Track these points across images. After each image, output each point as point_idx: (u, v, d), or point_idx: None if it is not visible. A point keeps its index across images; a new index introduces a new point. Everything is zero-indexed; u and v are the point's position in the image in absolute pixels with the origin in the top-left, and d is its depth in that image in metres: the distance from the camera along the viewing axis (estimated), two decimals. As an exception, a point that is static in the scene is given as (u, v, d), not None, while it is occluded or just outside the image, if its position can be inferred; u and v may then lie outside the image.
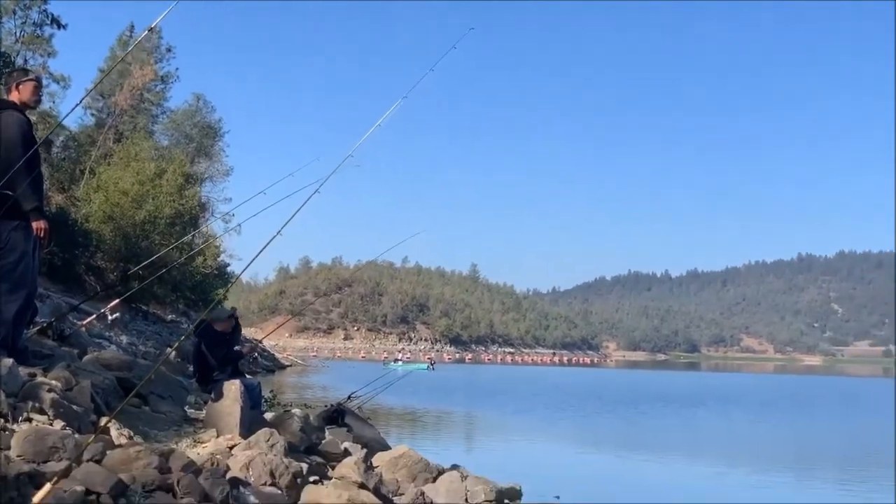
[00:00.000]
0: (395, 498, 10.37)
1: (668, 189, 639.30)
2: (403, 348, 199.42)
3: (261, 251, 9.38)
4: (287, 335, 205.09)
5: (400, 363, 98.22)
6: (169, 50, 65.88)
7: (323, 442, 12.17)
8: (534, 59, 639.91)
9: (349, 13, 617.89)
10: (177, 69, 67.50)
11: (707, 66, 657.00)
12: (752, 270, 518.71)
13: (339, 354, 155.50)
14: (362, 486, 9.47)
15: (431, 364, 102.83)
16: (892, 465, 27.45)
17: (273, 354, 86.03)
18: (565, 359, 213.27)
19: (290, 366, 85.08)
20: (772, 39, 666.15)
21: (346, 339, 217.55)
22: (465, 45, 13.66)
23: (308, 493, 8.73)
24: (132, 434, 8.88)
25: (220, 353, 13.11)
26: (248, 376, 14.87)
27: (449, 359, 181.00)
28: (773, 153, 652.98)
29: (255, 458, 8.50)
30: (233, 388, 10.99)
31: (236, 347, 13.94)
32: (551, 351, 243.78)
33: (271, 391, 24.89)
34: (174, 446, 8.70)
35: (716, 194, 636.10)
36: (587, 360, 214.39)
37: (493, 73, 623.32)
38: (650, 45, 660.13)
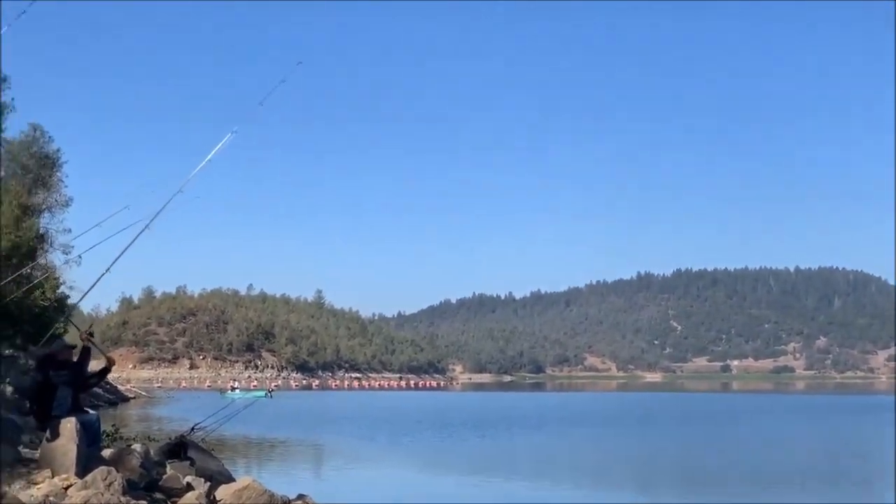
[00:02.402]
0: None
1: (509, 210, 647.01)
2: (250, 376, 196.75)
3: (91, 288, 9.36)
4: (131, 366, 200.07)
5: (238, 392, 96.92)
6: (4, 80, 63.82)
7: (164, 477, 12.00)
8: (370, 70, 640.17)
9: (189, 42, 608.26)
10: (12, 99, 65.37)
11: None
12: (593, 290, 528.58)
13: (184, 384, 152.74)
14: (204, 520, 9.42)
15: (269, 392, 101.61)
16: (733, 477, 28.49)
17: (116, 387, 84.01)
18: (412, 383, 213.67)
19: (135, 398, 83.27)
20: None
21: (191, 368, 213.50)
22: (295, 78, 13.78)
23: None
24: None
25: (67, 378, 12.79)
26: (88, 411, 14.52)
27: (296, 386, 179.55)
28: (609, 173, 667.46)
29: (90, 498, 8.38)
30: (68, 426, 10.75)
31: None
32: (398, 375, 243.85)
33: (113, 425, 24.36)
34: (6, 488, 8.50)
35: (555, 215, 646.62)
36: (434, 384, 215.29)
37: (334, 95, 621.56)
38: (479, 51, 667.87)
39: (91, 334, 13.48)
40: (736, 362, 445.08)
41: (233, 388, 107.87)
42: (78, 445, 10.49)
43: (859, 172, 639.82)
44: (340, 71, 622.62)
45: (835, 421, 64.11)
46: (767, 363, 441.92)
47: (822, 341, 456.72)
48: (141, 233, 10.09)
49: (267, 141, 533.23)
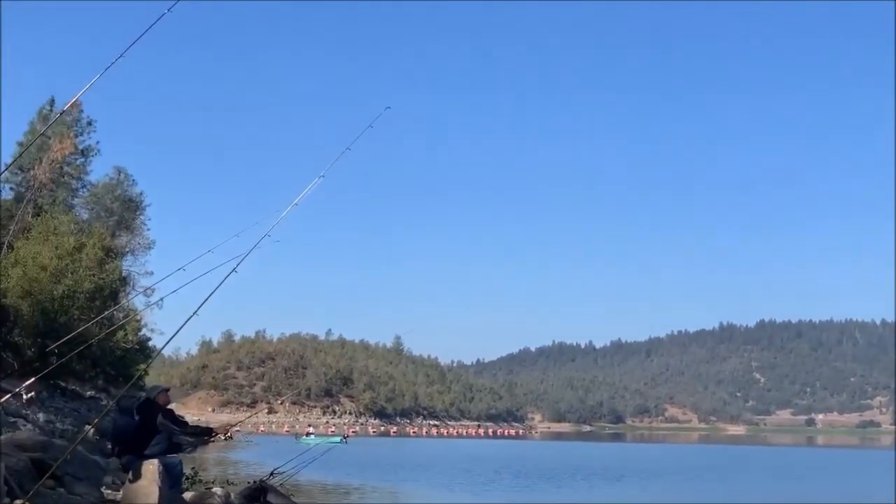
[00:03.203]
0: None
1: (590, 261, 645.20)
2: (328, 421, 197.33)
3: (177, 331, 9.33)
4: (210, 409, 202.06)
5: (313, 437, 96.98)
6: (90, 123, 65.40)
7: (244, 521, 11.99)
8: (444, 134, 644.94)
9: (271, 90, 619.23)
10: (97, 142, 66.90)
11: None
12: (674, 340, 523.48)
13: (262, 429, 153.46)
14: (283, 566, 9.34)
15: (345, 437, 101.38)
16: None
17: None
18: (491, 431, 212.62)
19: (213, 441, 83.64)
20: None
21: (269, 412, 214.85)
22: (382, 122, 13.83)
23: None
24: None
25: (179, 423, 12.93)
26: (170, 455, 14.59)
27: (374, 432, 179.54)
28: (691, 225, 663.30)
29: (173, 540, 8.36)
30: (151, 468, 10.79)
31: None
32: (476, 423, 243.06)
33: (193, 468, 24.47)
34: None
35: (638, 264, 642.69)
36: (512, 432, 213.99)
37: (414, 147, 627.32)
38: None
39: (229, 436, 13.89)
40: (821, 416, 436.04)
41: (308, 434, 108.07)
42: (160, 487, 10.52)
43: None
44: (423, 117, 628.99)
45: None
46: (853, 417, 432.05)
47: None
48: (228, 275, 10.13)
49: (350, 184, 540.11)
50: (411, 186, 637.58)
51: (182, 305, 10.69)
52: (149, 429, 12.41)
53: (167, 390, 13.43)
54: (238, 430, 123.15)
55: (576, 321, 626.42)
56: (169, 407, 13.31)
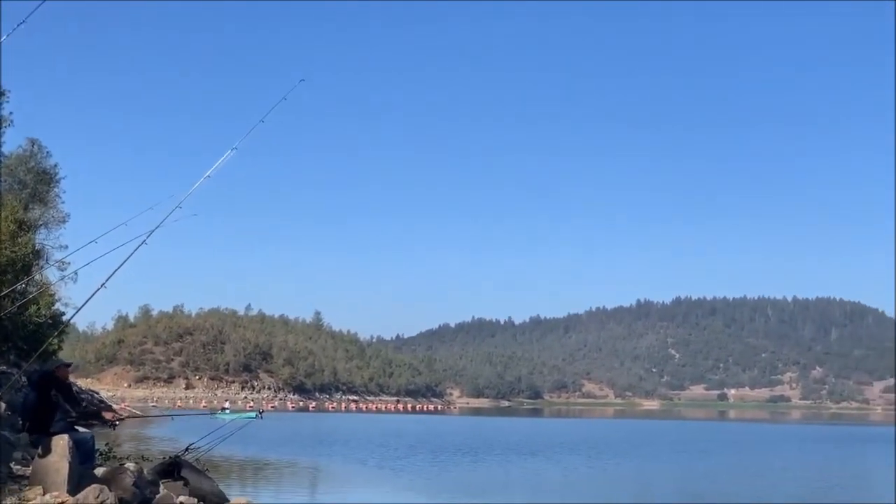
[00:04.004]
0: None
1: (509, 236, 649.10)
2: (246, 397, 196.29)
3: (86, 302, 9.26)
4: (126, 385, 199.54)
5: (227, 412, 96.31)
6: (2, 94, 63.91)
7: (157, 497, 11.92)
8: (372, 102, 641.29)
9: (188, 63, 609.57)
10: (10, 113, 65.38)
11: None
12: (592, 317, 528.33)
13: (179, 404, 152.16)
14: (196, 541, 9.33)
15: (260, 413, 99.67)
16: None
17: (110, 406, 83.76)
18: (410, 406, 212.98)
19: (129, 417, 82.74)
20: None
21: (187, 388, 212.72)
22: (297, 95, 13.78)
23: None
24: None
25: (74, 401, 12.75)
26: (81, 430, 14.43)
27: (293, 407, 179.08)
28: (609, 202, 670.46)
29: (82, 516, 8.31)
30: (61, 443, 10.68)
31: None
32: (396, 398, 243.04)
33: (106, 444, 24.21)
34: (-3, 505, 8.44)
35: (555, 241, 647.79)
36: (431, 408, 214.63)
37: (332, 117, 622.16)
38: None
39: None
40: (733, 391, 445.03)
41: (223, 409, 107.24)
42: (70, 463, 10.42)
43: (858, 204, 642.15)
44: (341, 90, 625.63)
45: (830, 451, 63.89)
46: (764, 392, 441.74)
47: (818, 371, 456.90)
48: (138, 247, 10.05)
49: (268, 160, 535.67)
50: (332, 160, 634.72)
51: (98, 279, 10.59)
52: (48, 404, 12.25)
53: (68, 365, 13.27)
54: (155, 407, 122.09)
55: (495, 298, 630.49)
56: (68, 383, 13.15)
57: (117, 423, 14.65)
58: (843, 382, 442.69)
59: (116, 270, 8.97)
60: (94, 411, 13.68)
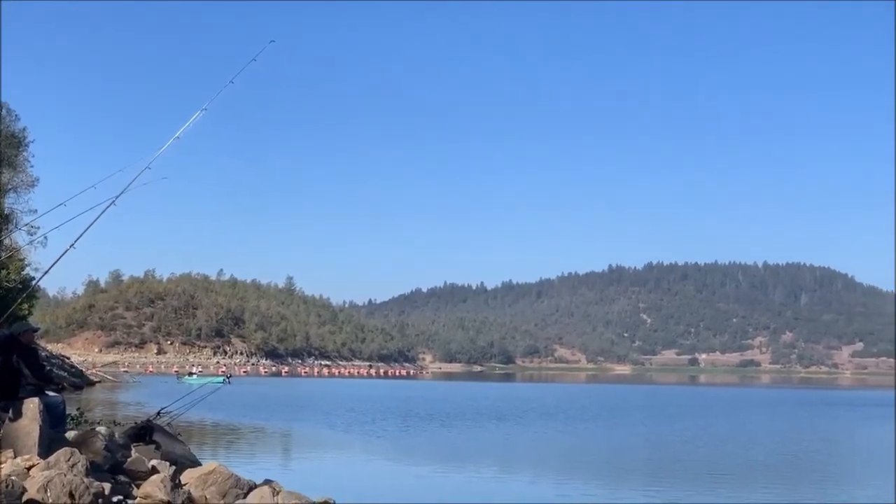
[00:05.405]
0: (202, 515, 10.25)
1: (482, 202, 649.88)
2: (218, 362, 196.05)
3: (54, 263, 9.24)
4: (97, 350, 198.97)
5: (195, 377, 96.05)
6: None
7: (129, 460, 11.90)
8: (342, 61, 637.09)
9: (158, 24, 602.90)
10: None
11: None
12: (564, 282, 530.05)
13: (151, 369, 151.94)
14: (168, 504, 9.35)
15: (228, 378, 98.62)
16: (696, 468, 28.63)
17: (81, 370, 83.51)
18: (382, 371, 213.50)
19: (100, 382, 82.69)
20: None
21: (159, 353, 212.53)
22: (266, 57, 13.68)
23: (110, 513, 8.57)
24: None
25: (36, 366, 12.66)
26: (52, 393, 14.37)
27: (265, 372, 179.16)
28: (581, 169, 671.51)
29: (53, 478, 8.30)
30: (31, 406, 10.65)
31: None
32: (368, 363, 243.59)
33: (78, 408, 24.21)
34: (-32, 469, 8.41)
35: (528, 207, 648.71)
36: (404, 373, 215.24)
37: (299, 82, 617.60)
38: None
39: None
40: (704, 355, 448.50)
41: (191, 374, 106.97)
42: (41, 426, 10.40)
43: (828, 170, 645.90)
44: (315, 54, 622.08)
45: (798, 415, 64.54)
46: (734, 357, 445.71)
47: (787, 336, 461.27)
48: (106, 209, 9.99)
49: (241, 123, 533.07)
50: (302, 125, 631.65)
51: (67, 243, 10.54)
52: (11, 369, 12.16)
53: (35, 330, 13.19)
54: (126, 371, 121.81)
55: (467, 262, 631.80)
56: (34, 347, 13.07)
57: (63, 387, 14.53)
58: (813, 347, 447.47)
59: (85, 231, 8.95)
60: (48, 379, 13.54)
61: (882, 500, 20.67)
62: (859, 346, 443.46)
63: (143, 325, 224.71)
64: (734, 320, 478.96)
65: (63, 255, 8.79)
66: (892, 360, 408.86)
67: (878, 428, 51.15)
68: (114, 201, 9.91)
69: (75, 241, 8.78)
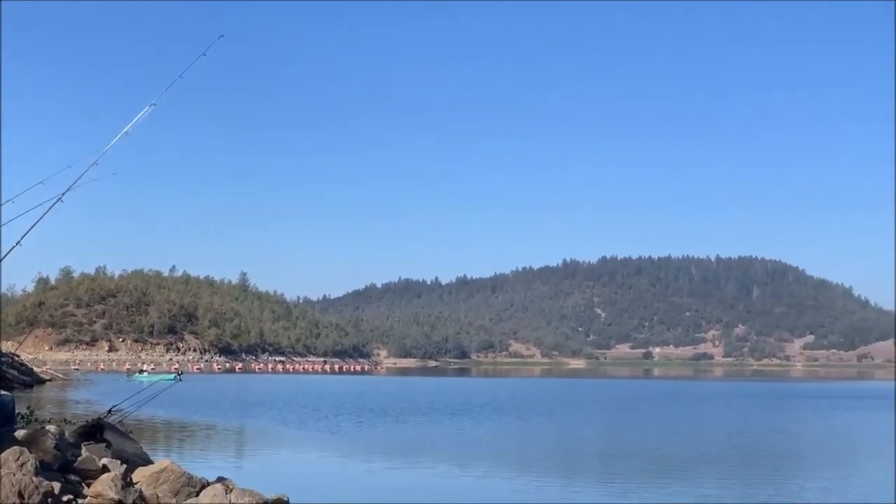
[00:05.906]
0: (153, 514, 10.21)
1: (436, 195, 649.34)
2: (171, 359, 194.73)
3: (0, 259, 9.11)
4: (47, 348, 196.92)
5: (146, 374, 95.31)
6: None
7: (79, 459, 11.83)
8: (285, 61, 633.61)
9: (110, 18, 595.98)
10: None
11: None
12: (519, 276, 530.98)
13: (102, 367, 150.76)
14: (119, 503, 9.30)
15: (179, 375, 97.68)
16: (647, 462, 28.86)
17: (31, 368, 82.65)
18: (337, 367, 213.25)
19: (51, 380, 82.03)
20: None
21: (110, 350, 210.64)
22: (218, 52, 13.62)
23: (60, 512, 8.52)
24: None
25: None
26: (1, 392, 14.24)
27: (219, 368, 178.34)
28: (537, 160, 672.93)
29: (2, 478, 8.24)
30: (-20, 406, 10.56)
31: None
32: (322, 359, 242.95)
33: (28, 407, 23.94)
34: (-86, 469, 8.32)
35: (481, 201, 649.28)
36: (358, 368, 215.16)
37: (252, 77, 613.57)
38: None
39: None
40: (658, 349, 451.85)
41: (142, 371, 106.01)
42: (-11, 426, 10.31)
43: (778, 163, 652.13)
44: (277, 46, 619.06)
45: (748, 407, 65.22)
46: (688, 350, 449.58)
47: (740, 329, 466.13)
48: (54, 205, 9.91)
49: (192, 117, 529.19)
50: (253, 121, 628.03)
51: (15, 240, 10.44)
52: None
53: None
54: (77, 369, 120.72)
55: (421, 258, 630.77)
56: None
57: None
58: (765, 340, 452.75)
59: (32, 228, 8.87)
60: None
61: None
62: (810, 338, 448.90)
63: (95, 322, 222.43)
64: (687, 314, 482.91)
65: (9, 252, 8.72)
66: (842, 352, 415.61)
67: (830, 419, 51.97)
68: (60, 198, 9.84)
69: (22, 238, 8.72)
